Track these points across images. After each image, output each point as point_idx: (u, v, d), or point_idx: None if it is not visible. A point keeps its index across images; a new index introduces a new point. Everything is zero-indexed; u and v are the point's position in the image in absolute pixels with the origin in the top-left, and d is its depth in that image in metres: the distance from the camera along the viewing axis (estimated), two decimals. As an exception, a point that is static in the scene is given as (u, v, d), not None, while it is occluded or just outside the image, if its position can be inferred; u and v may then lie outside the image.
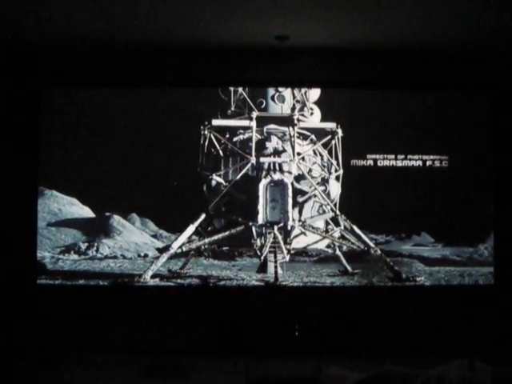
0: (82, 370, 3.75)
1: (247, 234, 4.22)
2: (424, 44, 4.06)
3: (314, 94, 4.31)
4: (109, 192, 4.26)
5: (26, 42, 4.02)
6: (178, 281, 4.23)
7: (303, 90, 4.31)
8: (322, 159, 4.36)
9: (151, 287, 4.19)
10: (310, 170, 4.34)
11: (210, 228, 4.29)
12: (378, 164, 4.29)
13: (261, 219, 4.22)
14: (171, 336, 4.18)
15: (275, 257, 4.18)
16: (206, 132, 4.28)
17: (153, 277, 4.18)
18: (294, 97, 4.34)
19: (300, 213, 4.32)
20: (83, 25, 3.73)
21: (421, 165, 4.31)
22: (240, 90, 4.29)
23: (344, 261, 4.30)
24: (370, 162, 4.28)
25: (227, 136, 4.32)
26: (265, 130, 4.29)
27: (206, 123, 4.27)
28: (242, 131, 4.31)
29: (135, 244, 4.36)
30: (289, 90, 4.32)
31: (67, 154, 4.27)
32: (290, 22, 3.71)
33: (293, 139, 4.28)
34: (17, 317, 4.18)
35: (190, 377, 3.67)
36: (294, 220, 4.25)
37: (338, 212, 4.31)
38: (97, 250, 4.33)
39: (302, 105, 4.33)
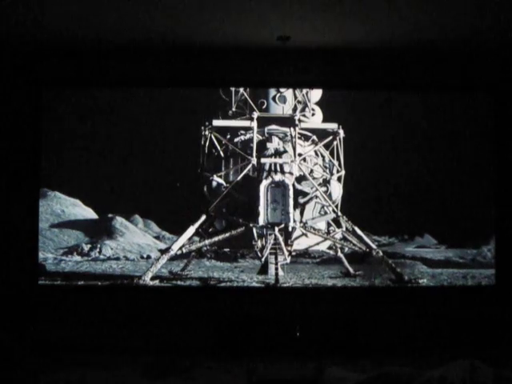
0: (83, 371, 3.73)
1: (248, 236, 4.20)
2: (425, 44, 4.05)
3: (316, 94, 4.30)
4: (111, 193, 4.25)
5: (27, 42, 4.02)
6: (178, 282, 4.22)
7: (305, 91, 4.30)
8: (323, 160, 4.35)
9: (152, 288, 4.18)
10: (312, 171, 4.32)
11: (211, 229, 4.28)
12: (380, 165, 4.27)
13: (262, 220, 4.20)
14: (172, 337, 4.16)
15: (276, 258, 4.16)
16: (207, 133, 4.27)
17: (153, 278, 4.16)
18: (296, 97, 4.33)
19: (301, 214, 4.30)
20: (84, 25, 3.72)
21: (423, 165, 4.29)
22: (241, 90, 4.29)
23: (346, 262, 4.27)
24: (372, 163, 4.26)
25: (228, 137, 4.31)
26: (266, 130, 4.28)
27: (207, 124, 4.26)
28: (243, 132, 4.30)
29: (138, 245, 4.36)
30: (290, 90, 4.31)
31: (70, 155, 4.27)
32: (292, 23, 3.70)
33: (294, 140, 4.26)
34: (18, 318, 4.17)
35: (191, 378, 3.65)
36: (295, 221, 4.24)
37: (339, 213, 4.29)
38: (99, 252, 4.33)
39: (303, 105, 4.32)
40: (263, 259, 4.19)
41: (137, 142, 4.25)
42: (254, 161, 4.25)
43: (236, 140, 4.31)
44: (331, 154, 4.32)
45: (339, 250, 4.30)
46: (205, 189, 4.26)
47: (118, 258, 4.32)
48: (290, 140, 4.28)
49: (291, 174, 4.26)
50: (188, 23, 3.70)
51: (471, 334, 4.12)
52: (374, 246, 4.26)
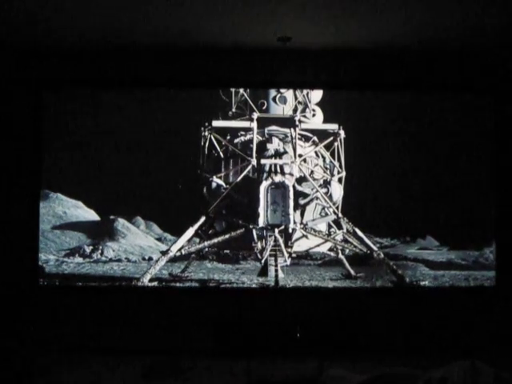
0: (83, 371, 3.72)
1: (248, 237, 4.18)
2: (425, 44, 4.03)
3: (316, 95, 4.28)
4: (113, 195, 4.25)
5: (27, 42, 4.03)
6: (178, 284, 4.20)
7: (305, 91, 4.28)
8: (324, 161, 4.33)
9: (151, 290, 4.16)
10: (312, 172, 4.30)
11: (211, 231, 4.27)
12: (381, 166, 4.25)
13: (261, 222, 4.18)
14: (172, 338, 4.15)
15: (276, 260, 4.14)
16: (207, 133, 4.26)
17: (151, 280, 4.15)
18: (296, 98, 4.31)
19: (302, 215, 4.28)
20: (84, 25, 3.72)
21: (425, 167, 4.26)
22: (241, 91, 4.27)
23: (347, 264, 4.25)
24: (373, 164, 4.24)
25: (228, 137, 4.30)
26: (266, 131, 4.27)
27: (207, 124, 4.25)
28: (242, 133, 4.29)
29: (140, 247, 4.35)
30: (290, 91, 4.29)
31: (71, 156, 4.27)
32: (293, 23, 3.69)
33: (294, 141, 4.24)
34: (18, 319, 4.17)
35: (191, 378, 3.64)
36: (295, 223, 4.22)
37: (340, 215, 4.27)
38: (101, 253, 4.33)
39: (303, 106, 4.30)
40: (263, 261, 4.17)
41: (136, 142, 4.24)
42: (254, 162, 4.23)
43: (236, 141, 4.29)
44: (332, 154, 4.30)
45: (340, 252, 4.28)
46: (204, 190, 4.25)
47: (119, 260, 4.31)
48: (291, 141, 4.27)
49: (291, 175, 4.24)
50: (188, 24, 3.70)
51: (471, 334, 4.10)
52: (375, 248, 4.23)
